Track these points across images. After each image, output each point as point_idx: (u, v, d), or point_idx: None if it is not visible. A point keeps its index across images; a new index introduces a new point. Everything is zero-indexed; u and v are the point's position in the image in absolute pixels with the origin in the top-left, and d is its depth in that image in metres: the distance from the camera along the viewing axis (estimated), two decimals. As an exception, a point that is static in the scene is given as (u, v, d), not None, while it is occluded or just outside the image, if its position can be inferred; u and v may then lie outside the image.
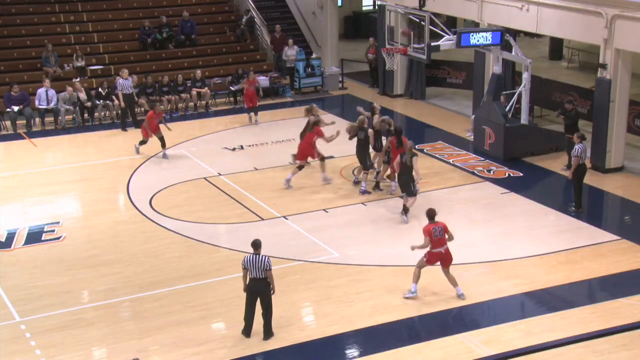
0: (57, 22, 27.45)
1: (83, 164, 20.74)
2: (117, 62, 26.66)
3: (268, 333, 12.48)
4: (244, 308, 12.47)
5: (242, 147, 21.78)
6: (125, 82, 23.60)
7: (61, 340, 12.58)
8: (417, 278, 13.53)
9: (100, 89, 24.48)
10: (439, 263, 13.47)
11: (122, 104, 23.61)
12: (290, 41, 27.57)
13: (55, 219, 17.24)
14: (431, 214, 13.37)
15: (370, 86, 28.04)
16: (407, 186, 16.58)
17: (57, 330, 12.86)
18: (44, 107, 23.69)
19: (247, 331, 12.52)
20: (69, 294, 14.02)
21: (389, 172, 18.13)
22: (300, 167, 18.63)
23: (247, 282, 12.35)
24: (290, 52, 27.31)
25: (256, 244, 12.30)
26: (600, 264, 14.77)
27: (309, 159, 18.84)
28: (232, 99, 26.16)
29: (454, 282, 13.54)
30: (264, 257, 12.21)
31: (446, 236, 13.33)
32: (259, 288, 12.26)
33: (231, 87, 25.63)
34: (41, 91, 23.74)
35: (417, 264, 13.52)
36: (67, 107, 23.62)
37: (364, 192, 18.08)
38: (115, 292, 14.09)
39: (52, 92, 23.85)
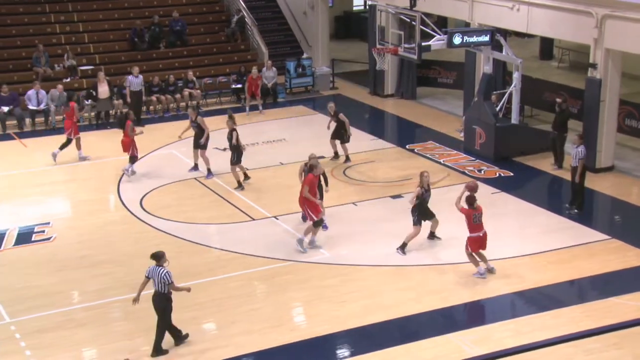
0: (48, 22, 27.35)
1: (74, 164, 20.67)
2: (107, 62, 26.59)
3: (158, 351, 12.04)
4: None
5: (233, 147, 21.72)
6: (135, 80, 23.82)
7: (52, 341, 12.54)
8: (477, 262, 14.26)
9: (92, 90, 24.38)
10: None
11: (129, 100, 23.83)
12: (269, 62, 26.58)
13: (46, 220, 17.18)
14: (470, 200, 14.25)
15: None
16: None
17: (47, 331, 12.82)
18: (35, 108, 23.62)
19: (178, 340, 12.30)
20: (60, 295, 13.98)
21: None
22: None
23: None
24: (268, 73, 26.23)
25: (157, 256, 11.93)
26: (591, 263, 14.81)
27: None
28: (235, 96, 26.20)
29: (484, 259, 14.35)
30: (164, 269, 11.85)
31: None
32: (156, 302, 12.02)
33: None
34: (31, 93, 23.65)
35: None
36: (57, 105, 23.47)
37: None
38: (106, 292, 14.06)
39: (42, 93, 23.75)
